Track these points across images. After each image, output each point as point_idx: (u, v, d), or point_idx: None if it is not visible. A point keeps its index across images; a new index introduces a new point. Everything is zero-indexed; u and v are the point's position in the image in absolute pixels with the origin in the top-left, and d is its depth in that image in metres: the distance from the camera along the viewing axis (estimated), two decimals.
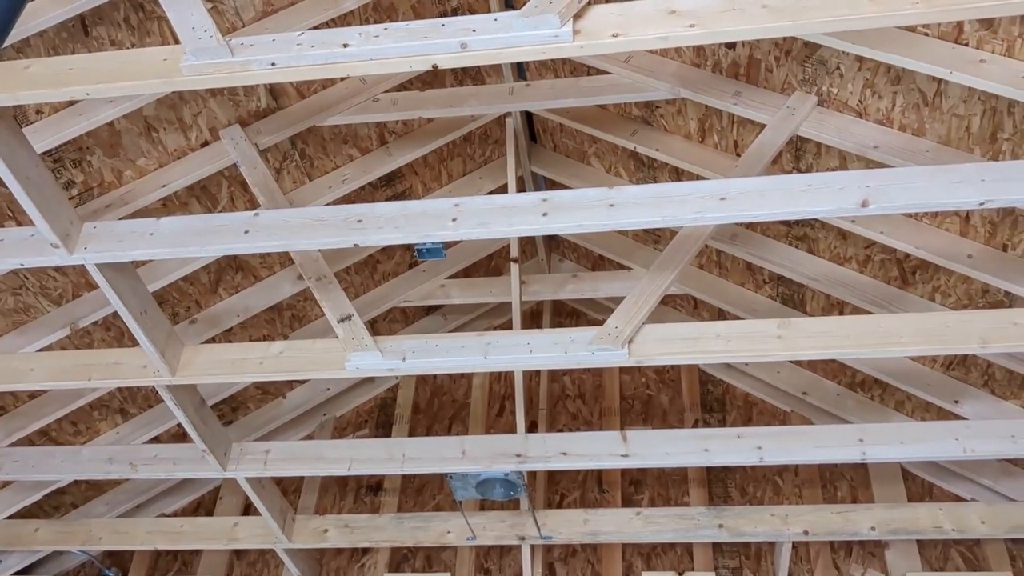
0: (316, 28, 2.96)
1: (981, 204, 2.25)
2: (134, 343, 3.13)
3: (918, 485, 4.07)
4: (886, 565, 3.89)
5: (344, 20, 3.14)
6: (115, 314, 3.43)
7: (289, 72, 2.09)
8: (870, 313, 3.40)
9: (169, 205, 3.38)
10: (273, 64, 2.07)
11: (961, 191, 2.25)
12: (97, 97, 2.24)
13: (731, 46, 3.06)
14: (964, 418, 3.50)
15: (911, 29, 2.63)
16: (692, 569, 4.01)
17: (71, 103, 2.93)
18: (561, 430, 4.53)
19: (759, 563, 4.01)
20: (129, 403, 3.97)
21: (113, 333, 3.67)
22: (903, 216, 3.15)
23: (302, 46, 2.06)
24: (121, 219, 3.05)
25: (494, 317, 4.82)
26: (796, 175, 2.57)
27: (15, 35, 2.61)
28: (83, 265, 2.65)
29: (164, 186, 3.26)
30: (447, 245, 4.15)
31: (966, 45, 2.58)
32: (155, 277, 3.35)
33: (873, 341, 2.73)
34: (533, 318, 4.90)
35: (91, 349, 3.29)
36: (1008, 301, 3.17)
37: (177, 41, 2.39)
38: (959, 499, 3.94)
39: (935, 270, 3.28)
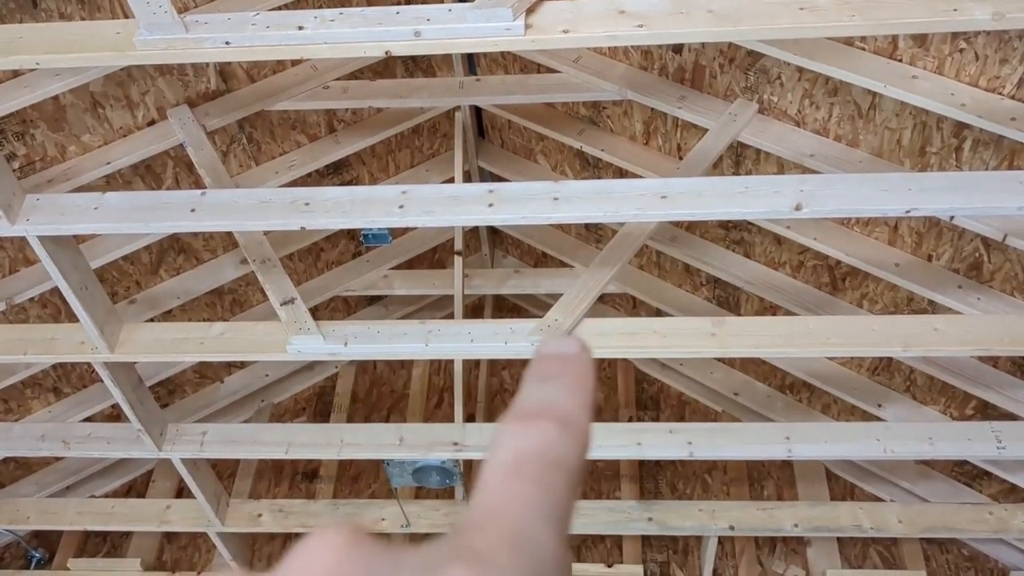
0: (270, 10, 2.97)
1: (907, 212, 2.36)
2: (71, 320, 3.11)
3: (840, 486, 4.21)
4: (807, 561, 4.02)
5: (297, 4, 3.15)
6: (52, 291, 3.40)
7: (243, 52, 2.11)
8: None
9: (112, 183, 3.35)
10: (227, 43, 2.09)
11: (889, 199, 2.36)
12: (47, 68, 2.23)
13: (677, 51, 3.15)
14: (886, 421, 3.64)
15: (849, 43, 2.73)
16: (621, 562, 4.09)
17: (16, 74, 2.90)
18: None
19: (686, 557, 4.11)
20: (63, 382, 3.92)
21: (50, 310, 3.62)
22: (835, 224, 3.26)
23: (257, 26, 2.09)
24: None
25: (436, 310, 4.85)
26: (734, 177, 2.66)
27: None
28: (22, 239, 2.63)
29: (108, 163, 3.23)
30: (394, 234, 4.20)
31: (900, 61, 2.70)
32: (96, 255, 3.32)
33: (801, 341, 2.83)
34: (475, 312, 4.95)
35: (27, 324, 3.26)
36: (931, 309, 3.31)
37: (127, 17, 2.39)
38: (878, 499, 4.09)
39: (864, 277, 3.40)
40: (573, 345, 0.38)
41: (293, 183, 3.67)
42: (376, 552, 0.30)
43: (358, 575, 0.29)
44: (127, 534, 4.37)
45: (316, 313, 4.42)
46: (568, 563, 0.33)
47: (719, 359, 4.21)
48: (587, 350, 0.38)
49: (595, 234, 4.19)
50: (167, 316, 3.87)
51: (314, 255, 4.22)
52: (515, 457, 0.34)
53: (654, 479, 4.31)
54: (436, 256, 4.56)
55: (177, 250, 3.75)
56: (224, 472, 4.48)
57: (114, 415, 4.06)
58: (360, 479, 4.45)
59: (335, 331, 3.00)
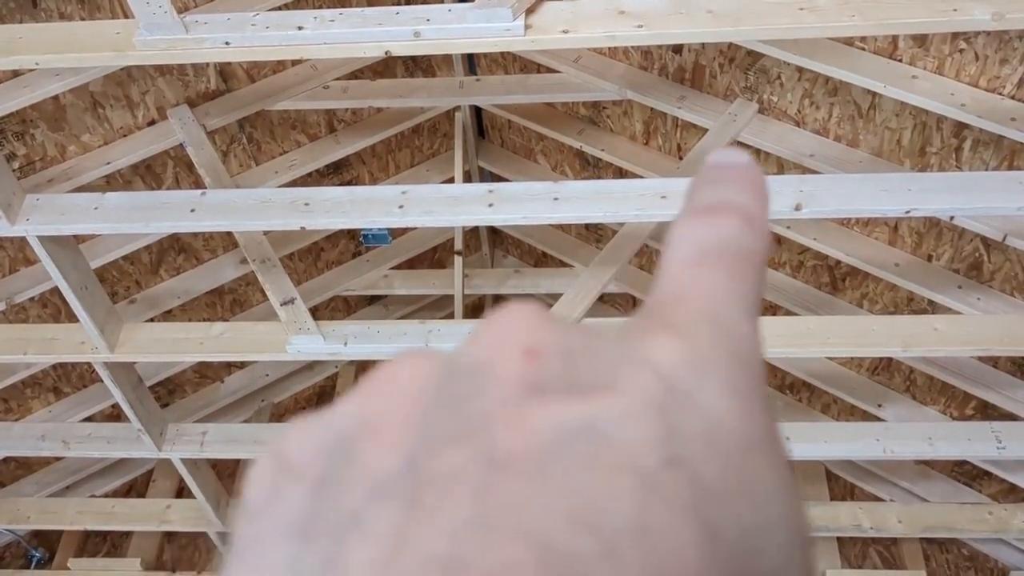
0: (270, 10, 2.98)
1: (907, 212, 2.36)
2: (71, 320, 3.12)
3: (840, 485, 4.21)
4: None
5: (297, 4, 3.15)
6: (52, 291, 3.39)
7: (243, 52, 2.11)
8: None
9: (112, 183, 3.35)
10: (227, 43, 2.09)
11: (889, 199, 2.36)
12: (47, 68, 2.23)
13: (677, 51, 3.15)
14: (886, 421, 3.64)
15: (849, 43, 2.73)
16: None
17: (16, 74, 2.90)
18: None
19: None
20: (63, 382, 3.92)
21: (50, 310, 3.62)
22: (835, 224, 3.26)
23: (256, 26, 2.09)
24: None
25: (436, 310, 4.85)
26: None
27: None
28: (22, 239, 2.63)
29: (108, 163, 3.23)
30: (394, 234, 4.20)
31: (900, 61, 2.70)
32: (95, 255, 3.32)
33: (801, 341, 2.84)
34: (475, 312, 4.94)
35: (27, 324, 3.26)
36: (931, 309, 3.31)
37: (127, 17, 2.39)
38: (878, 499, 4.09)
39: (864, 277, 3.40)
40: (744, 156, 0.36)
41: (293, 183, 3.67)
42: (570, 325, 0.29)
43: (556, 343, 0.27)
44: (127, 534, 4.38)
45: (316, 313, 4.42)
46: (763, 350, 0.30)
47: None
48: (757, 164, 0.36)
49: (595, 234, 4.19)
50: (167, 316, 3.87)
51: (314, 255, 4.22)
52: (699, 247, 0.32)
53: None
54: (436, 256, 4.56)
55: (177, 250, 3.75)
56: (224, 472, 4.48)
57: (114, 415, 4.05)
58: None
59: (335, 331, 3.00)
